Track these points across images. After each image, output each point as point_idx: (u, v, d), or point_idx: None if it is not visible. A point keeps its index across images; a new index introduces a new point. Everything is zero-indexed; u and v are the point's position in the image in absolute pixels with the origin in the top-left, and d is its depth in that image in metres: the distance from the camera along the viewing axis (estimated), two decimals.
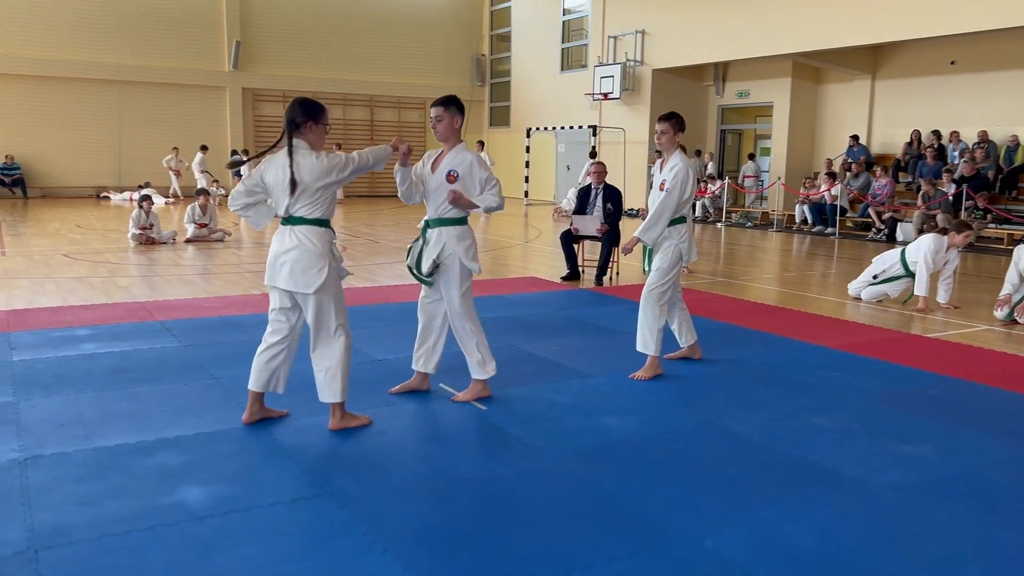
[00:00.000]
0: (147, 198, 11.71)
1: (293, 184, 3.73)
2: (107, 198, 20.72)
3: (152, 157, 21.37)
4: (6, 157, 20.39)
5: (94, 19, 20.97)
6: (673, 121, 5.01)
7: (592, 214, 9.07)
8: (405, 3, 25.03)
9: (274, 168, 3.81)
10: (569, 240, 9.24)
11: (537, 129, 22.28)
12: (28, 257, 10.04)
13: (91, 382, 4.74)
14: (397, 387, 4.62)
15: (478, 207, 4.26)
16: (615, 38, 20.59)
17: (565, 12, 22.98)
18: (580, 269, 9.26)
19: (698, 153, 19.21)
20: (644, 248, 5.14)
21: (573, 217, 9.21)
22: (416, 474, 3.52)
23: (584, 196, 9.28)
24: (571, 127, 21.29)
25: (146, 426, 4.02)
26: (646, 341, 5.02)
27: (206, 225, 12.04)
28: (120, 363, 5.16)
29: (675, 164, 4.98)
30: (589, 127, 20.41)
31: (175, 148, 21.05)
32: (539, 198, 22.99)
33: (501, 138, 25.53)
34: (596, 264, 8.97)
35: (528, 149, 22.31)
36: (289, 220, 3.82)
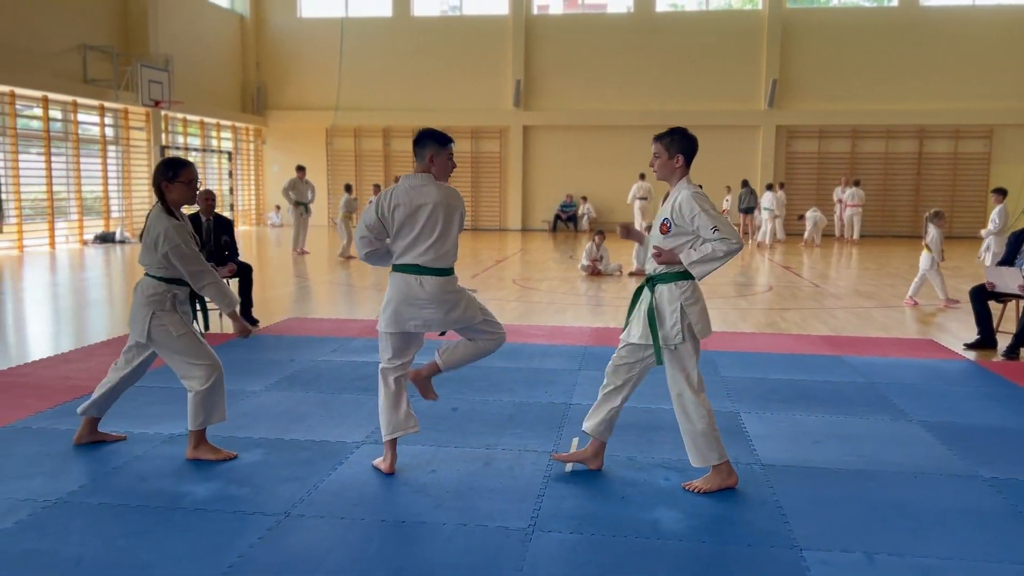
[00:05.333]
0: (600, 232, 12.69)
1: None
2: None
3: None
4: (567, 196, 23.88)
5: (643, 72, 23.21)
6: (668, 140, 3.69)
7: (1020, 266, 6.96)
8: (974, 16, 21.90)
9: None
10: (982, 297, 7.21)
11: None
12: (498, 280, 11.83)
13: (331, 384, 5.57)
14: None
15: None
16: None
17: None
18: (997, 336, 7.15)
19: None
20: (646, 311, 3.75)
21: (986, 269, 7.17)
22: (387, 517, 3.41)
23: (1016, 243, 7.16)
24: None
25: (298, 425, 4.64)
26: (699, 448, 3.74)
27: (599, 260, 12.50)
28: (366, 371, 5.92)
29: (677, 197, 3.65)
30: None
31: (728, 187, 21.61)
32: None
33: None
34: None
35: None
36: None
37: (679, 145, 3.71)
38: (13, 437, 4.41)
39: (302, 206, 15.56)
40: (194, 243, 4.04)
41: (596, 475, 3.92)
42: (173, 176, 4.02)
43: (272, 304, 9.45)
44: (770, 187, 19.41)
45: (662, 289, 3.69)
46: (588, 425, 3.93)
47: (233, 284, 8.22)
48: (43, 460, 4.04)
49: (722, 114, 22.91)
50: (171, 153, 20.47)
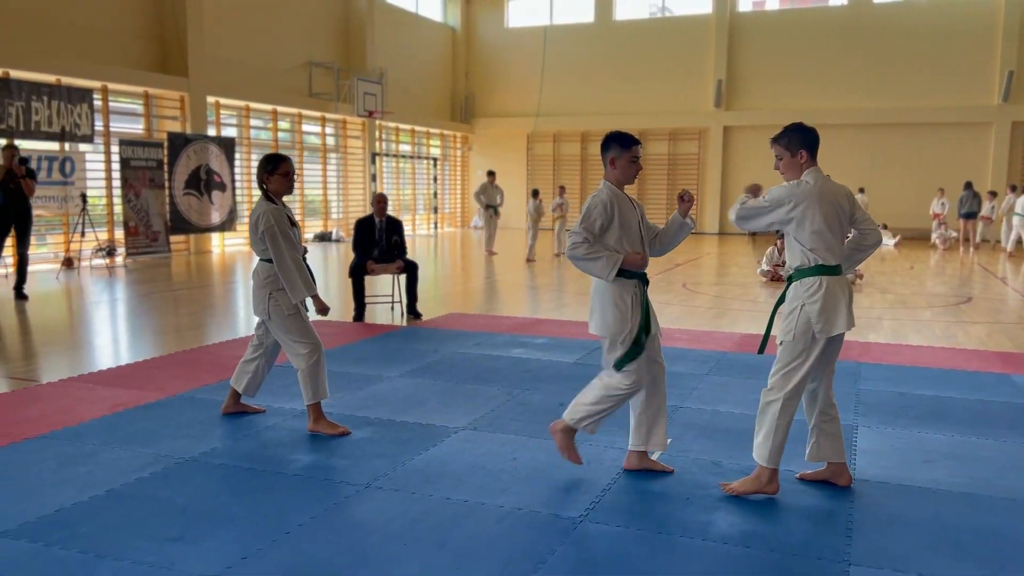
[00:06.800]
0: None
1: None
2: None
3: (897, 199, 21.10)
4: None
5: (856, 67, 21.84)
6: (786, 140, 3.61)
7: None
8: None
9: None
10: None
11: None
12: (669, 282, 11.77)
13: (460, 374, 5.92)
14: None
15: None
16: None
17: None
18: None
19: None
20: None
21: None
22: (453, 496, 3.66)
23: None
24: None
25: (413, 409, 5.01)
26: (757, 444, 3.67)
27: (781, 266, 11.91)
28: (530, 367, 6.21)
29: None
30: None
31: (940, 189, 20.02)
32: None
33: None
34: None
35: None
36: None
37: (800, 141, 3.64)
38: (179, 404, 5.14)
39: (491, 209, 16.27)
40: (289, 227, 4.46)
41: (668, 475, 3.94)
42: (272, 170, 4.49)
43: (446, 300, 10.04)
44: (1013, 188, 17.50)
45: (791, 286, 3.66)
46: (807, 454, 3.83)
47: (401, 279, 8.88)
48: (193, 425, 4.69)
49: (946, 111, 21.07)
50: (384, 160, 22.10)
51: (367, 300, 8.62)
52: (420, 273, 8.85)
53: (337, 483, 3.82)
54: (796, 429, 4.65)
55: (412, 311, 8.64)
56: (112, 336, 7.94)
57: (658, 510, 3.52)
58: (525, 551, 3.12)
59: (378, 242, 8.61)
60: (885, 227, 19.99)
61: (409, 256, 8.79)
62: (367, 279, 8.64)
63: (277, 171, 4.51)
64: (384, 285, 9.73)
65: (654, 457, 4.07)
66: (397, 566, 2.99)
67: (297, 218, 4.82)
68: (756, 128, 22.80)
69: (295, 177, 4.66)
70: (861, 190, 19.88)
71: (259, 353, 4.78)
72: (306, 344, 4.50)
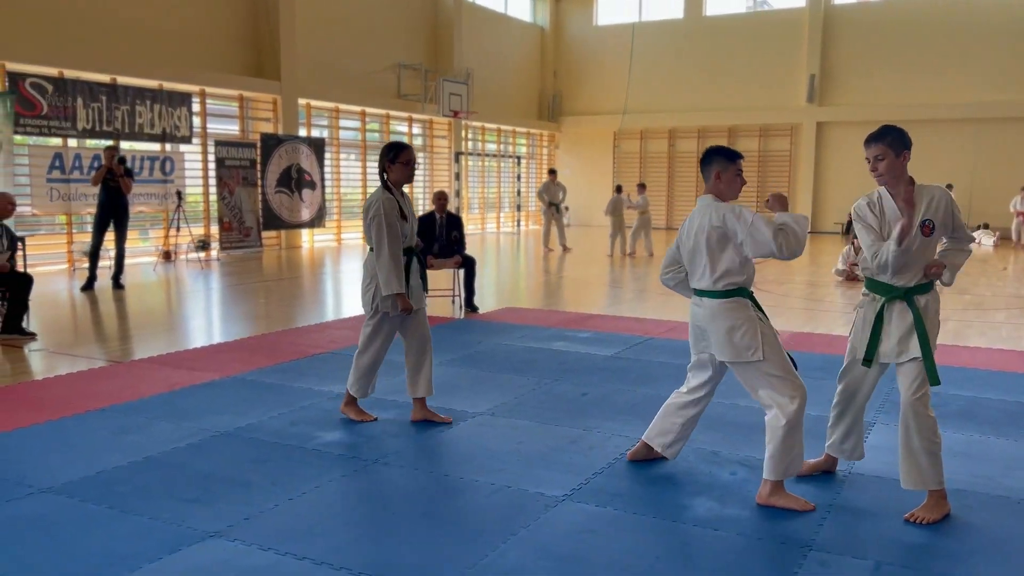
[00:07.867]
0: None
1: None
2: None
3: (999, 196, 20.07)
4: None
5: (958, 59, 20.89)
6: (890, 139, 3.42)
7: None
8: None
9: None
10: None
11: None
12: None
13: (497, 364, 6.15)
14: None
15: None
16: None
17: None
18: None
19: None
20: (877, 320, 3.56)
21: None
22: (451, 473, 3.90)
23: None
24: None
25: (444, 395, 5.23)
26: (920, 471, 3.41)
27: (856, 265, 11.59)
28: (566, 359, 6.41)
29: (933, 196, 3.49)
30: None
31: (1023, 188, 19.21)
32: None
33: None
34: None
35: None
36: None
37: (903, 141, 3.48)
38: (230, 385, 5.57)
39: (554, 207, 16.45)
40: (399, 219, 4.45)
41: (665, 463, 4.06)
42: (394, 158, 4.48)
43: (511, 294, 10.30)
44: None
45: (926, 300, 3.48)
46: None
47: (460, 274, 9.18)
48: (238, 403, 5.10)
49: None
50: (468, 159, 22.54)
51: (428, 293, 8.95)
52: (493, 269, 9.11)
53: (349, 458, 4.12)
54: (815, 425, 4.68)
55: (469, 304, 8.93)
56: (194, 323, 8.55)
57: (641, 493, 3.67)
58: (501, 523, 3.32)
59: (438, 238, 8.94)
60: (986, 226, 19.10)
61: (477, 252, 9.08)
62: (427, 273, 8.97)
63: (399, 159, 4.49)
64: (446, 279, 10.06)
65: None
66: (379, 531, 3.26)
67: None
68: (851, 124, 22.09)
69: (416, 166, 4.65)
70: (949, 186, 19.03)
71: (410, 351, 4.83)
72: (373, 350, 4.66)
